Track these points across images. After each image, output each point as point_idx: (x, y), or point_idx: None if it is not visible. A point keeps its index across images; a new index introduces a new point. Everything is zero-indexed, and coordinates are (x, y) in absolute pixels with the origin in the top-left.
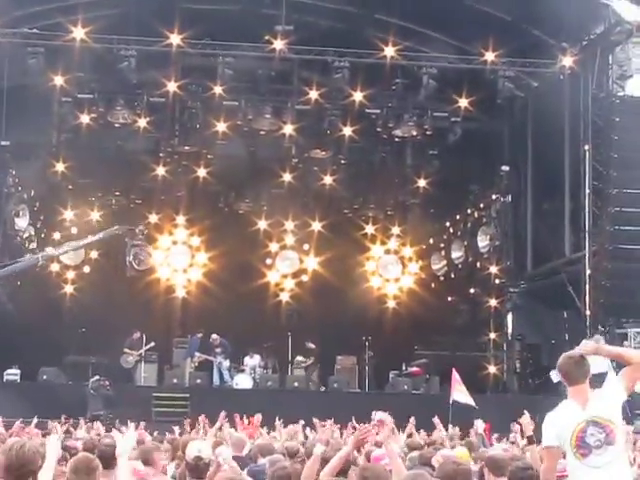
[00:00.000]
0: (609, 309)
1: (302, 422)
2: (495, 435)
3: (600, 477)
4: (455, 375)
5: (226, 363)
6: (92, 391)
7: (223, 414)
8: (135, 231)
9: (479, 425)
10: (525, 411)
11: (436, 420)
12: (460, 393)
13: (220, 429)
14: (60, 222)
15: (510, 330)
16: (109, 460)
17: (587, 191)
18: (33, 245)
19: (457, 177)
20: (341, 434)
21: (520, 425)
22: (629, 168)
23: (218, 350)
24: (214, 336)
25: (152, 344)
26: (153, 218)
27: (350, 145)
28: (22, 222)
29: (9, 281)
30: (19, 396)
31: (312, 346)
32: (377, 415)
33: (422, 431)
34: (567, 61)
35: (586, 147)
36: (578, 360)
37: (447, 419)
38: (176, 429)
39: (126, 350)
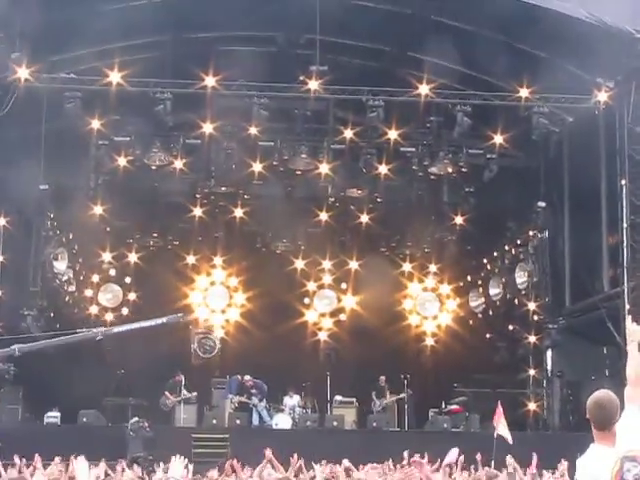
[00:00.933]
0: None
1: (346, 462)
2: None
3: None
4: (500, 408)
5: (262, 404)
6: (131, 433)
7: (268, 453)
8: (201, 321)
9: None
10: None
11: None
12: (503, 427)
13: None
14: (98, 264)
15: (549, 367)
16: None
17: (625, 225)
18: (72, 288)
19: (494, 214)
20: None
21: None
22: None
23: (253, 392)
24: (247, 377)
25: (194, 394)
26: (191, 259)
27: (386, 183)
28: (61, 265)
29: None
30: (59, 439)
31: (382, 379)
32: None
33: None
34: (602, 96)
35: (623, 182)
36: (607, 407)
37: (488, 456)
38: (215, 472)
39: (166, 393)
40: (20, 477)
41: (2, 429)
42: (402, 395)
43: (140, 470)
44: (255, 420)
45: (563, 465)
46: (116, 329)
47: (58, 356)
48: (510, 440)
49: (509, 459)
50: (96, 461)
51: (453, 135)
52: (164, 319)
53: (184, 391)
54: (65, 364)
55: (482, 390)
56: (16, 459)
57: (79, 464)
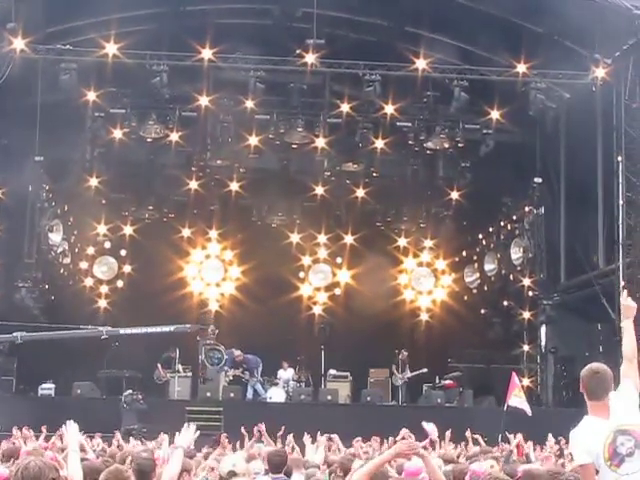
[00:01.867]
0: None
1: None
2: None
3: None
4: (515, 379)
5: (255, 379)
6: (125, 405)
7: (262, 427)
8: (207, 330)
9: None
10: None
11: (475, 436)
12: (517, 398)
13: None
14: (94, 237)
15: (544, 343)
16: (147, 475)
17: (620, 202)
18: (67, 260)
19: (489, 189)
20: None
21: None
22: None
23: (244, 366)
24: (237, 352)
25: (188, 373)
26: (186, 232)
27: (382, 158)
28: (56, 237)
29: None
30: (53, 410)
31: (405, 354)
32: (428, 426)
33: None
34: (600, 72)
35: (619, 158)
36: (602, 375)
37: (482, 432)
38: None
39: (159, 366)
40: (13, 447)
41: None
42: (423, 370)
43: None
44: (249, 394)
45: (550, 441)
46: (122, 330)
47: (52, 327)
48: (529, 411)
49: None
50: (91, 433)
51: (450, 110)
52: (172, 328)
53: (178, 366)
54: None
55: (476, 365)
56: (14, 431)
57: (70, 429)
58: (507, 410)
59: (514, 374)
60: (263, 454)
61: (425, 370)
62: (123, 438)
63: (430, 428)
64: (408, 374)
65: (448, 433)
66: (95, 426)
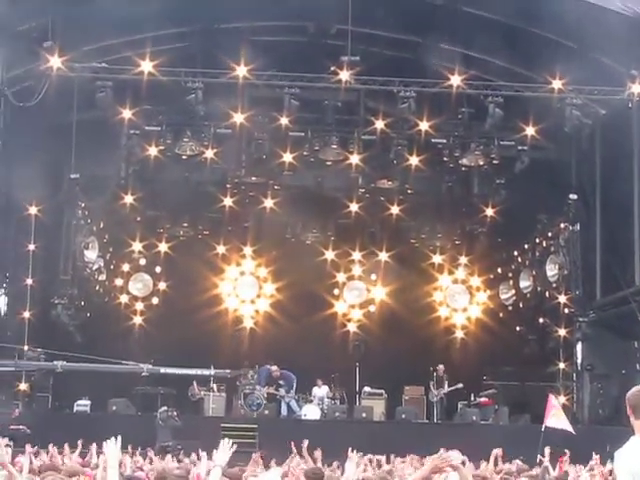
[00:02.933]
0: None
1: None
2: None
3: None
4: (552, 400)
5: (290, 395)
6: (161, 422)
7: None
8: (247, 376)
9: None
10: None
11: (495, 452)
12: (556, 419)
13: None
14: (128, 254)
15: (579, 360)
16: None
17: None
18: (102, 277)
19: (525, 206)
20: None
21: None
22: None
23: (281, 382)
24: (274, 367)
25: (222, 394)
26: (221, 249)
27: (416, 175)
28: (91, 254)
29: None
30: (89, 427)
31: (441, 369)
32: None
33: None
34: (636, 88)
35: None
36: None
37: (518, 450)
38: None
39: (194, 383)
40: (51, 464)
41: (32, 417)
42: (459, 385)
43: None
44: (284, 411)
45: (595, 459)
46: (162, 370)
47: (88, 345)
48: (571, 430)
49: (547, 452)
50: (125, 450)
51: (484, 126)
52: (212, 372)
53: (213, 385)
54: (95, 353)
55: (511, 383)
56: (50, 448)
57: (111, 446)
58: (544, 430)
59: (551, 396)
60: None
61: (461, 385)
62: (158, 454)
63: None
64: (445, 389)
65: (495, 451)
66: (130, 443)
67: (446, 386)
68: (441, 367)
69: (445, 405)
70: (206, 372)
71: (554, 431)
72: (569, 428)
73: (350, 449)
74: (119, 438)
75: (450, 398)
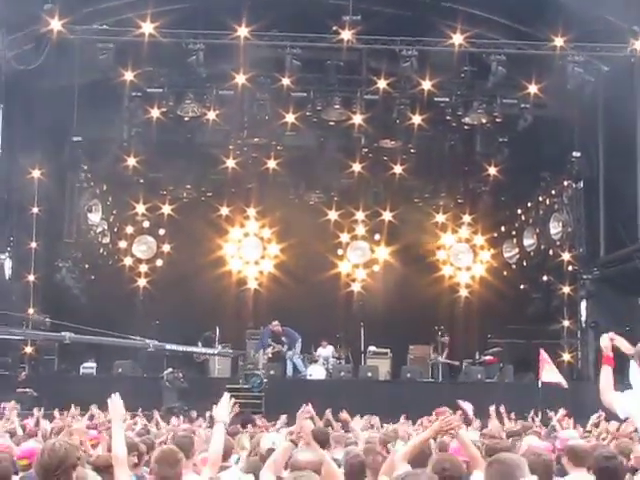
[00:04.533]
0: None
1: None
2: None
3: None
4: (543, 354)
5: (293, 353)
6: (167, 383)
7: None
8: (249, 356)
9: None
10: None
11: (495, 409)
12: (550, 373)
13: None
14: (132, 216)
15: (584, 317)
16: (186, 452)
17: None
18: (106, 239)
19: (528, 164)
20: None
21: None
22: None
23: (283, 339)
24: (274, 323)
25: (229, 351)
26: (224, 211)
27: (419, 134)
28: (95, 217)
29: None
30: (95, 389)
31: (447, 339)
32: (464, 404)
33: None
34: (638, 45)
35: None
36: None
37: (523, 407)
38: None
39: (199, 345)
40: (62, 425)
41: (38, 380)
42: (455, 363)
43: (177, 421)
44: (289, 371)
45: (600, 415)
46: (168, 346)
47: (93, 307)
48: (565, 384)
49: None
50: (133, 412)
51: (487, 85)
52: (215, 350)
53: (218, 346)
54: (100, 315)
55: (516, 341)
56: (56, 413)
57: (114, 403)
58: (541, 386)
59: (542, 351)
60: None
61: (457, 364)
62: (164, 417)
63: (466, 406)
64: (442, 359)
65: (493, 408)
66: (136, 404)
67: (444, 356)
68: (447, 338)
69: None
70: (210, 350)
71: (549, 385)
72: (563, 382)
73: (343, 411)
74: (117, 394)
75: (454, 356)
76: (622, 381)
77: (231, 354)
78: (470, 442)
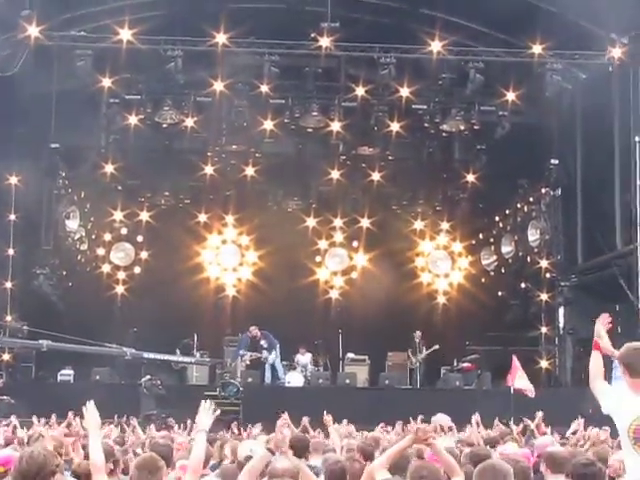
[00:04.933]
0: None
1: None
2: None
3: None
4: (516, 361)
5: (273, 357)
6: (145, 390)
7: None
8: (226, 364)
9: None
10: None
11: (476, 418)
12: (522, 380)
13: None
14: (110, 223)
15: (562, 324)
16: (166, 460)
17: (638, 183)
18: (84, 246)
19: (506, 171)
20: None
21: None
22: None
23: (262, 343)
24: (251, 328)
25: (206, 359)
26: (202, 218)
27: (397, 141)
28: (73, 224)
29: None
30: (73, 396)
31: (418, 334)
32: (438, 418)
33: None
34: (616, 52)
35: (636, 139)
36: None
37: (501, 414)
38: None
39: (177, 352)
40: (36, 434)
41: (16, 387)
42: (435, 347)
43: (154, 428)
44: (267, 378)
45: (578, 422)
46: (145, 354)
47: (71, 315)
48: (532, 393)
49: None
50: (110, 419)
51: (465, 92)
52: (193, 359)
53: (196, 354)
54: (77, 322)
55: (494, 348)
56: (34, 419)
57: (89, 411)
58: (514, 393)
59: (515, 358)
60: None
61: (437, 347)
62: (142, 424)
63: (444, 420)
64: (423, 355)
65: (475, 417)
66: (114, 411)
67: (424, 351)
68: (418, 333)
69: (425, 370)
70: (186, 359)
71: (519, 393)
72: (531, 390)
73: (325, 414)
74: (91, 403)
75: (433, 363)
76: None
77: (208, 362)
78: (444, 451)
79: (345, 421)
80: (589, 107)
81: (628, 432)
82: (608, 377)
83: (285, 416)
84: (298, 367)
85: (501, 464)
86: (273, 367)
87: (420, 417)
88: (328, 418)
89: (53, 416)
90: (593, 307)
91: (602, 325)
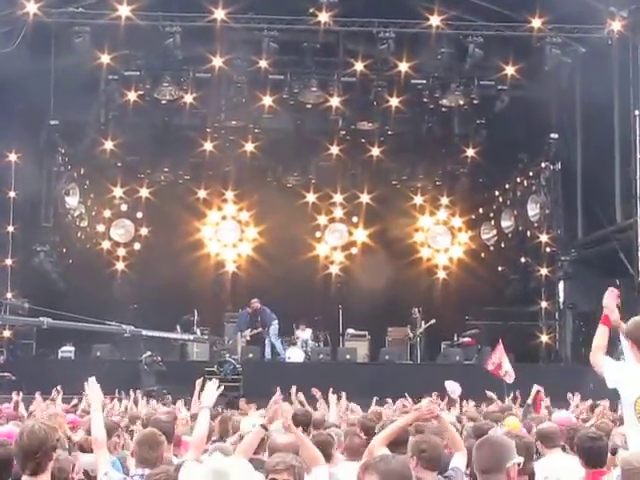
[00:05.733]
0: None
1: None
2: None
3: None
4: (501, 346)
5: (272, 330)
6: (145, 367)
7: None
8: (224, 342)
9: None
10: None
11: (490, 394)
12: (506, 364)
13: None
14: (110, 200)
15: (562, 299)
16: (168, 436)
17: (638, 156)
18: (84, 223)
19: (505, 146)
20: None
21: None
22: None
23: (258, 319)
24: (254, 300)
25: (205, 337)
26: (202, 194)
27: (397, 116)
28: (72, 201)
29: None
30: (73, 373)
31: (417, 311)
32: (451, 385)
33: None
34: (616, 26)
35: (636, 112)
36: None
37: (500, 389)
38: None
39: (177, 328)
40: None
41: (16, 364)
42: (432, 322)
43: (155, 403)
44: (267, 354)
45: (573, 398)
46: (144, 332)
47: (71, 291)
48: (511, 378)
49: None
50: (111, 395)
51: (464, 67)
52: (191, 337)
53: (196, 330)
54: (78, 299)
55: (494, 322)
56: (37, 396)
57: (91, 387)
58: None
59: (500, 341)
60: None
61: (433, 321)
62: (143, 399)
63: (453, 387)
64: (421, 329)
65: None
66: (115, 387)
67: (423, 325)
68: (415, 310)
69: (425, 345)
70: (185, 336)
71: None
72: (512, 375)
73: (331, 390)
74: (93, 378)
75: (433, 338)
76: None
77: (206, 340)
78: (450, 425)
79: (344, 394)
80: (589, 81)
81: (635, 406)
82: (617, 353)
83: (278, 393)
84: (298, 342)
85: (501, 438)
86: (272, 344)
87: (435, 393)
88: (316, 392)
89: (57, 393)
90: (593, 281)
91: (611, 299)
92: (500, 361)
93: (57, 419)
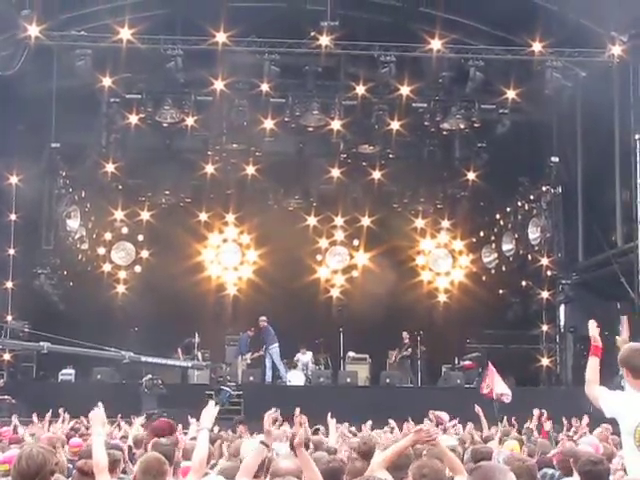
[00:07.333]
0: None
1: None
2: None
3: None
4: (492, 368)
5: (273, 349)
6: (146, 390)
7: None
8: (222, 369)
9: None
10: None
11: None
12: (500, 385)
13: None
14: (111, 222)
15: (562, 322)
16: (169, 461)
17: (638, 180)
18: (85, 246)
19: (506, 169)
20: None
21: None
22: None
23: (262, 337)
24: (262, 318)
25: (205, 363)
26: (203, 216)
27: (398, 139)
28: (73, 223)
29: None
30: (74, 396)
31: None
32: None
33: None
34: (616, 50)
35: (636, 136)
36: None
37: (506, 411)
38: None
39: (178, 350)
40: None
41: (17, 387)
42: (407, 352)
43: None
44: (268, 377)
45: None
46: (143, 358)
47: (71, 314)
48: (509, 398)
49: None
50: (112, 418)
51: (465, 90)
52: (189, 363)
53: (197, 353)
54: (78, 322)
55: (495, 346)
56: (34, 418)
57: (95, 414)
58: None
59: (490, 363)
60: (288, 436)
61: (410, 351)
62: (144, 424)
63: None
64: (400, 355)
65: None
66: (115, 411)
67: (403, 352)
68: (405, 334)
69: (429, 369)
70: (184, 363)
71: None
72: (509, 395)
73: (330, 414)
74: (100, 405)
75: (434, 362)
76: (609, 377)
77: (204, 367)
78: (448, 450)
79: (346, 424)
80: (589, 105)
81: (635, 434)
82: (615, 383)
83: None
84: (299, 366)
85: (494, 464)
86: (274, 365)
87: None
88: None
89: (63, 415)
90: (594, 305)
91: (595, 329)
92: (492, 384)
93: (58, 442)
